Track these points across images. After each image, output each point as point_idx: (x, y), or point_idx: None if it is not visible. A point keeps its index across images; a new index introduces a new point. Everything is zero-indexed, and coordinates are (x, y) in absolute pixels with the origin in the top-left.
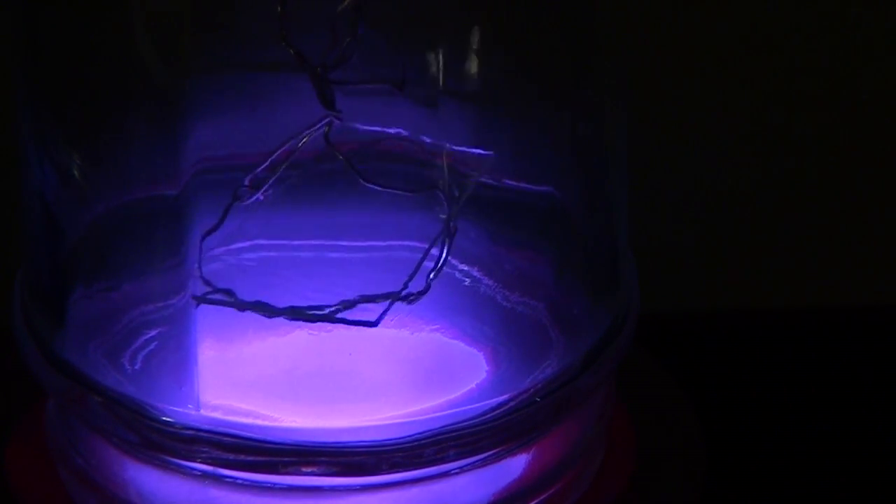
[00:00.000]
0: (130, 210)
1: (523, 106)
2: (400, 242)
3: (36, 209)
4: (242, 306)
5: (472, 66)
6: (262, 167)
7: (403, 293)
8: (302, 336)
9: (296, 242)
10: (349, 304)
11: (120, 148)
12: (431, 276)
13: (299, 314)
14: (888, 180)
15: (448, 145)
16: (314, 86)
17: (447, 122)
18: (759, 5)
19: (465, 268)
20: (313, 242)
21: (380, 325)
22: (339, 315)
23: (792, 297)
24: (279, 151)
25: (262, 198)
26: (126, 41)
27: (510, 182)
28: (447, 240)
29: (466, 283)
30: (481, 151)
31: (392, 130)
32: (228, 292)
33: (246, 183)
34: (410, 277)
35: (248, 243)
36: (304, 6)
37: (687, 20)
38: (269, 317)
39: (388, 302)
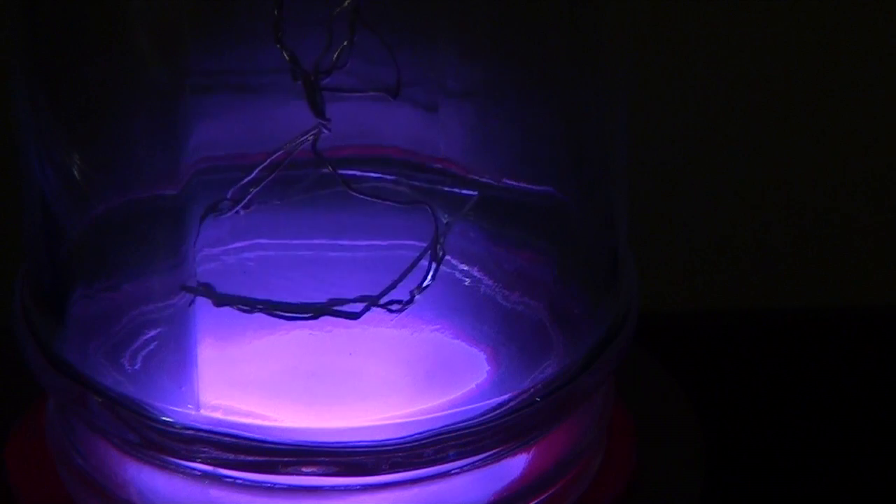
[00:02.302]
0: (130, 210)
1: (523, 106)
2: (400, 242)
3: (36, 209)
4: (220, 300)
5: (472, 66)
6: (247, 179)
7: (383, 300)
8: (302, 336)
9: (296, 242)
10: (338, 303)
11: (120, 148)
12: (416, 293)
13: (280, 308)
14: (888, 180)
15: (438, 186)
16: (305, 93)
17: (447, 123)
18: (760, 5)
19: (465, 268)
20: (313, 242)
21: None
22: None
23: (792, 297)
24: (267, 161)
25: (242, 212)
26: (126, 41)
27: (510, 182)
28: (436, 262)
29: (466, 283)
30: (467, 192)
31: (375, 174)
32: (207, 286)
33: (228, 196)
34: (399, 280)
35: (247, 243)
36: (302, 9)
37: (688, 19)
38: (249, 312)
39: (382, 297)
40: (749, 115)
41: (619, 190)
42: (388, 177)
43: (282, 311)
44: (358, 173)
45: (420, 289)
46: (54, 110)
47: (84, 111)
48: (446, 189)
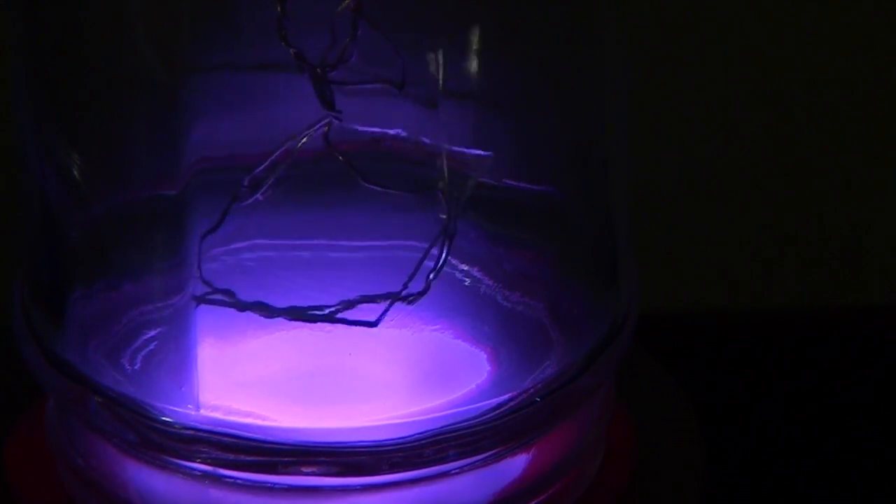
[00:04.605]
0: (130, 210)
1: (523, 106)
2: (400, 242)
3: (36, 209)
4: (242, 306)
5: (472, 66)
6: (262, 167)
7: (403, 293)
8: (302, 336)
9: (296, 242)
10: (349, 304)
11: (120, 148)
12: (431, 276)
13: (299, 314)
14: (888, 180)
15: (447, 146)
16: (314, 86)
17: (447, 122)
18: (758, 6)
19: (465, 268)
20: (313, 242)
21: (380, 325)
22: (339, 315)
23: (792, 297)
24: (279, 152)
25: (261, 198)
26: (126, 41)
27: (510, 182)
28: (447, 240)
29: (466, 283)
30: (480, 152)
31: (392, 131)
32: (228, 292)
33: (245, 184)
34: (410, 277)
35: (247, 243)
36: (304, 6)
37: (687, 19)
38: (270, 317)
39: (387, 302)
40: (749, 114)
41: (619, 190)
42: (397, 137)
43: (303, 317)
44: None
45: (436, 271)
46: (54, 110)
47: (84, 111)
48: (454, 149)
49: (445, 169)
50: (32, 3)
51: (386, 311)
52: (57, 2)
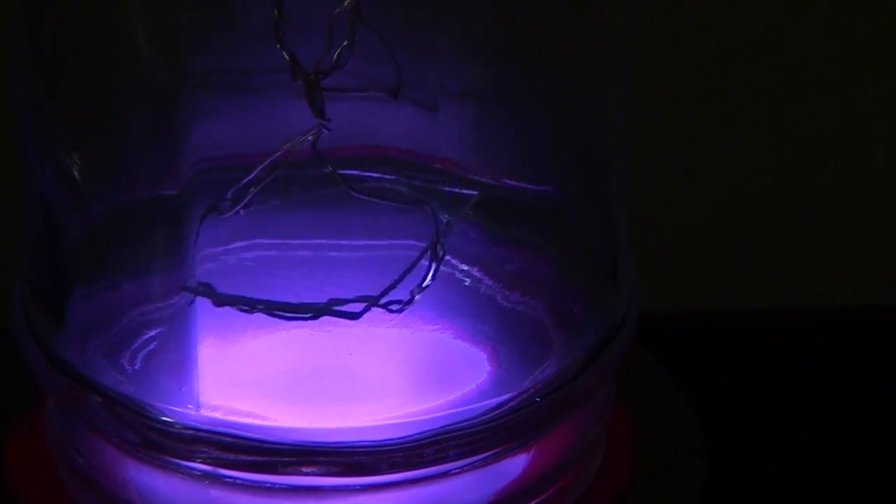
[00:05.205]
0: (130, 210)
1: (523, 106)
2: (400, 242)
3: (36, 209)
4: (220, 300)
5: (472, 66)
6: (247, 179)
7: (383, 300)
8: (302, 336)
9: (295, 242)
10: (338, 303)
11: (120, 148)
12: (416, 292)
13: (280, 308)
14: (888, 180)
15: (438, 186)
16: (305, 93)
17: (447, 123)
18: (757, 6)
19: (466, 268)
20: (313, 242)
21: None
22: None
23: (791, 297)
24: (267, 161)
25: (242, 212)
26: (126, 41)
27: (510, 182)
28: (435, 262)
29: (466, 283)
30: (467, 191)
31: (377, 174)
32: (208, 286)
33: (228, 196)
34: (399, 280)
35: (245, 243)
36: (303, 8)
37: (687, 20)
38: (250, 312)
39: (382, 297)
40: (749, 113)
41: (619, 189)
42: (388, 177)
43: (282, 311)
44: (358, 173)
45: (420, 288)
46: (54, 110)
47: (84, 111)
48: (446, 189)
49: (437, 183)
50: (33, 3)
51: (367, 308)
52: (58, 2)
